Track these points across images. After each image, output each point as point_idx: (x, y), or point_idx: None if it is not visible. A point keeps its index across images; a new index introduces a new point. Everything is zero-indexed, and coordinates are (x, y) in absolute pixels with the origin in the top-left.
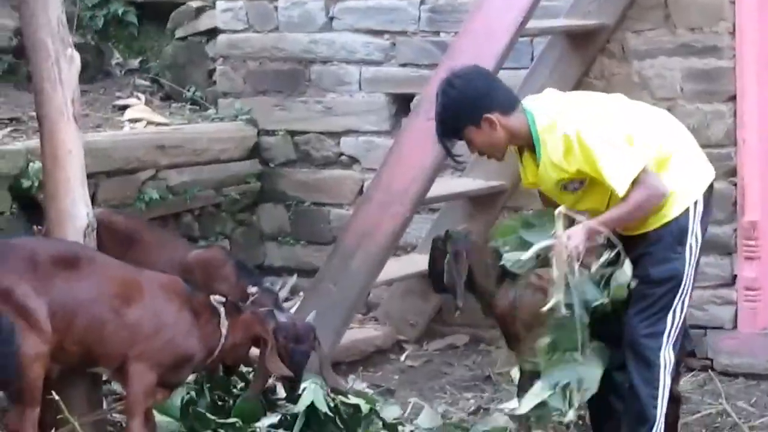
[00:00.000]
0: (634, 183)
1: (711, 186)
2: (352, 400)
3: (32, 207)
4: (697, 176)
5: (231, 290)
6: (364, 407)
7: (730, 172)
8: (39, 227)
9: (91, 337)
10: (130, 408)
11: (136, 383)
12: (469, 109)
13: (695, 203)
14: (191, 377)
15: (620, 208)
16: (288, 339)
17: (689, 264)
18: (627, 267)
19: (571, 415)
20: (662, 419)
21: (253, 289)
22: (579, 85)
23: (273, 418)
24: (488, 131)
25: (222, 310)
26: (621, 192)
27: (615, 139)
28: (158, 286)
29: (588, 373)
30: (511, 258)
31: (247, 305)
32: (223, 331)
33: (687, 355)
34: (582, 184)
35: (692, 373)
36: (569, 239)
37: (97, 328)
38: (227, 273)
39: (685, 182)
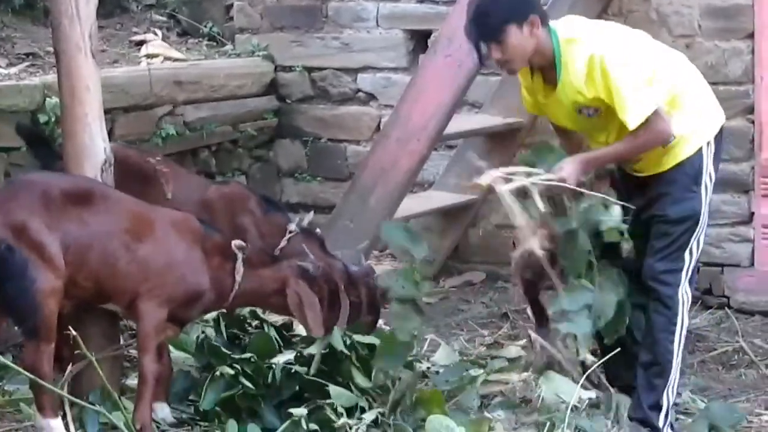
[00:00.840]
0: (640, 128)
1: (722, 129)
2: (368, 338)
3: (41, 143)
4: (709, 118)
5: (257, 224)
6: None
7: (747, 110)
8: None
9: (103, 272)
10: (142, 343)
11: (147, 319)
12: (520, 4)
13: (708, 143)
14: (210, 315)
15: (619, 146)
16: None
17: (704, 203)
18: (615, 211)
19: (584, 354)
20: (678, 368)
21: (292, 227)
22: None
23: (289, 355)
24: (527, 35)
25: (240, 255)
26: (632, 127)
27: (636, 73)
28: (170, 223)
29: (601, 299)
30: None
31: (283, 249)
32: (237, 278)
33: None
34: (597, 111)
35: (709, 311)
36: (561, 170)
37: (109, 264)
38: (252, 206)
39: (697, 122)
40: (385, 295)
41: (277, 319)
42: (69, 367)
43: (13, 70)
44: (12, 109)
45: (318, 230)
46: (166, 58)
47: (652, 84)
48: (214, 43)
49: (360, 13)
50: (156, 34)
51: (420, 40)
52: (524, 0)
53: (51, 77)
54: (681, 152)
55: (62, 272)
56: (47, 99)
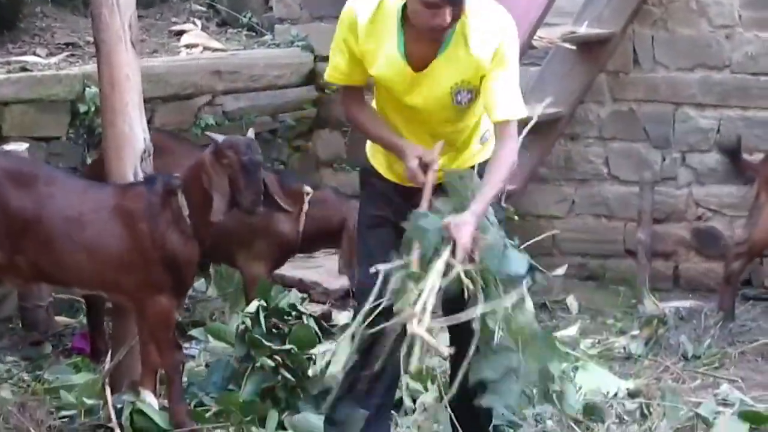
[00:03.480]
0: (505, 132)
1: None
2: None
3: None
4: None
5: None
6: None
7: None
8: None
9: (45, 256)
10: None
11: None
12: None
13: None
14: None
15: (495, 174)
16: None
17: None
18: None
19: None
20: None
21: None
22: (638, 12)
23: (328, 345)
24: None
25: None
26: (498, 117)
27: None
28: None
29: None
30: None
31: None
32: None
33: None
34: (470, 96)
35: (750, 302)
36: (461, 238)
37: (51, 248)
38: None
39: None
40: None
41: (316, 309)
42: (107, 359)
43: (53, 59)
44: (52, 98)
45: None
46: (206, 48)
47: None
48: (254, 33)
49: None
50: (195, 24)
51: None
52: None
53: (91, 67)
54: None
55: None
56: (87, 89)
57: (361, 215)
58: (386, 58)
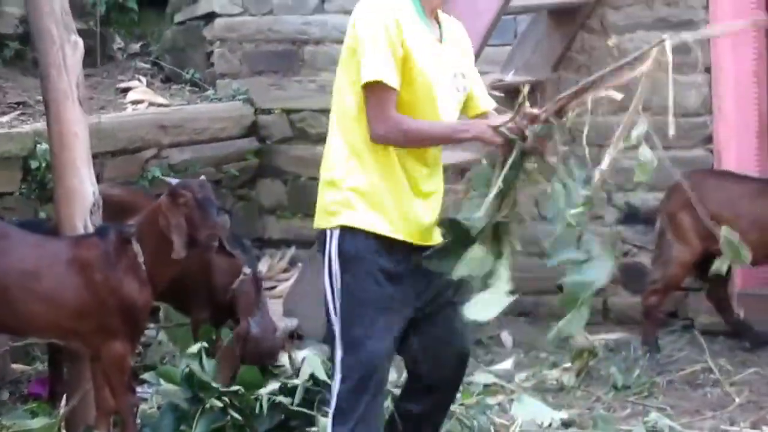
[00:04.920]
0: None
1: None
2: None
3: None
4: None
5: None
6: None
7: (706, 140)
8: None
9: (1, 307)
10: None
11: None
12: None
13: None
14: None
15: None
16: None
17: None
18: None
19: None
20: None
21: None
22: (561, 59)
23: (274, 385)
24: None
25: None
26: (491, 106)
27: None
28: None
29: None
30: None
31: None
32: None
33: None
34: (465, 88)
35: (676, 333)
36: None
37: (5, 299)
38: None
39: None
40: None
41: None
42: (62, 403)
43: (5, 118)
44: (5, 155)
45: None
46: (151, 104)
47: None
48: (197, 89)
49: (335, 57)
50: (141, 81)
51: None
52: None
53: (41, 125)
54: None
55: None
56: (38, 145)
57: (361, 292)
58: (419, 38)
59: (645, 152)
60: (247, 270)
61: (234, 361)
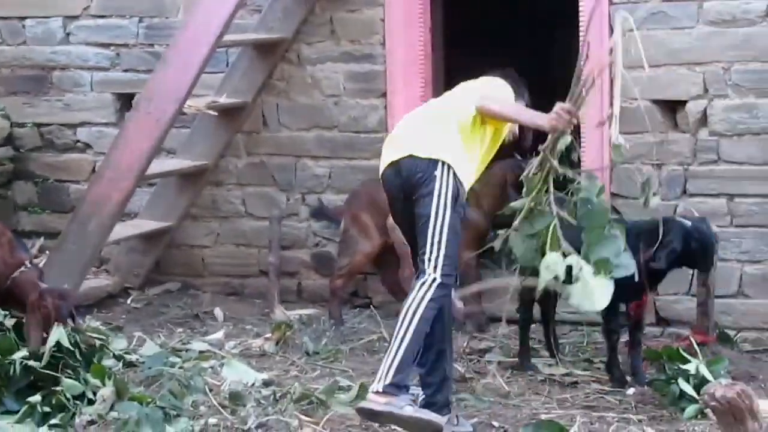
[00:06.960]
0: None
1: (388, 165)
2: (89, 336)
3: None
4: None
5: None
6: (98, 342)
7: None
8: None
9: None
10: None
11: None
12: None
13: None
14: None
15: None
16: (56, 299)
17: None
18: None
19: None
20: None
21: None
22: (265, 85)
23: (25, 352)
24: None
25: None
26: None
27: None
28: None
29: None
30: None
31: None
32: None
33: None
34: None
35: (357, 309)
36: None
37: None
38: (4, 242)
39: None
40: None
41: (14, 320)
42: None
43: None
44: None
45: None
46: None
47: None
48: None
49: (78, 80)
50: None
51: (126, 101)
52: None
53: None
54: None
55: None
56: None
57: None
58: None
59: (618, 137)
60: (28, 263)
61: (39, 326)
